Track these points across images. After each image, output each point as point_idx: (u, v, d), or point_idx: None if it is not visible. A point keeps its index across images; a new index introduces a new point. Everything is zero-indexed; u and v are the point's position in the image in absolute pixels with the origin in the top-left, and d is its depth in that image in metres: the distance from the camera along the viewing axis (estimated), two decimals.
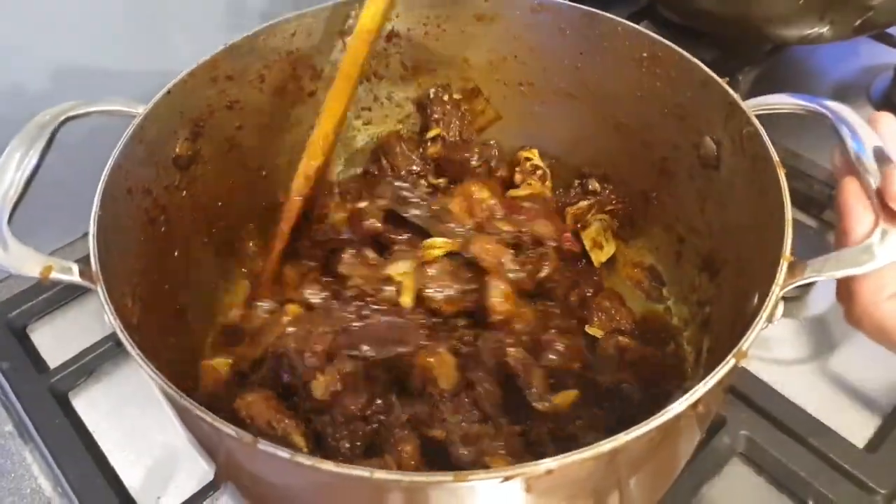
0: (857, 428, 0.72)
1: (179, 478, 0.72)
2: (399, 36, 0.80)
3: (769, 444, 0.70)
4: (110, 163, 0.60)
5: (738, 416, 0.71)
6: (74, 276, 0.53)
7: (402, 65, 0.82)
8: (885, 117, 0.57)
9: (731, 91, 0.64)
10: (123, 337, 0.49)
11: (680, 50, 0.69)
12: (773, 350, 0.80)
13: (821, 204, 0.88)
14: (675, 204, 0.77)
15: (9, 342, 0.82)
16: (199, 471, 0.72)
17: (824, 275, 0.52)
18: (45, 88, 0.79)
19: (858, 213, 0.54)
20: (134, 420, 0.76)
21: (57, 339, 0.84)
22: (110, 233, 0.57)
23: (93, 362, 0.80)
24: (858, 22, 0.89)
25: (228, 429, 0.44)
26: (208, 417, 0.45)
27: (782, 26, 0.92)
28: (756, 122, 0.61)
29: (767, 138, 0.60)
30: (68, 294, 0.86)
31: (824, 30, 0.90)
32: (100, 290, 0.51)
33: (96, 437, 0.75)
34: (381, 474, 0.41)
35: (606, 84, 0.77)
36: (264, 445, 0.43)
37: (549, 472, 0.41)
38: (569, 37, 0.76)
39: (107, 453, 0.74)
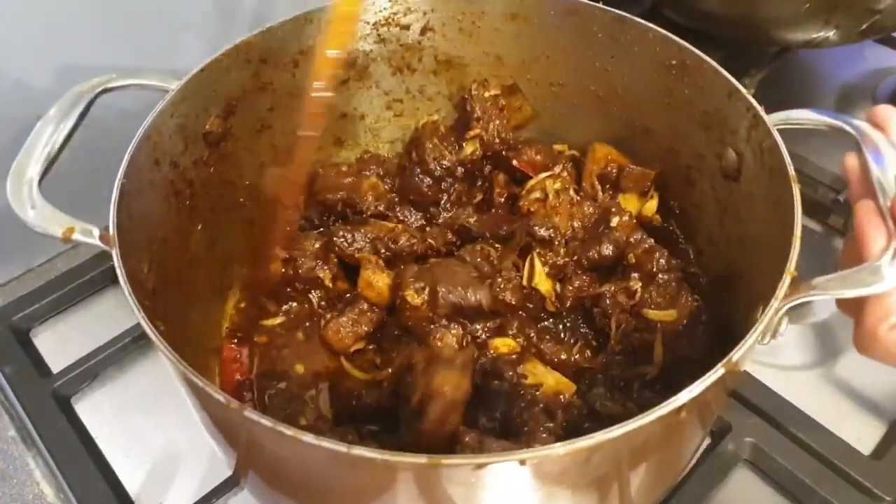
0: (863, 435, 0.72)
1: (181, 483, 0.72)
2: (433, 30, 0.81)
3: (775, 450, 0.69)
4: (139, 133, 0.62)
5: (744, 422, 0.71)
6: (94, 239, 0.55)
7: (434, 59, 0.83)
8: (887, 110, 0.57)
9: (755, 103, 0.64)
10: (131, 300, 0.51)
11: (708, 59, 0.68)
12: (778, 356, 0.79)
13: (826, 209, 0.87)
14: (697, 214, 0.76)
15: (12, 346, 0.81)
16: (200, 476, 0.72)
17: (830, 293, 0.51)
18: (49, 88, 0.78)
19: (872, 236, 0.53)
20: (136, 425, 0.76)
21: (60, 344, 0.83)
22: (134, 200, 0.60)
23: (96, 367, 0.79)
24: (864, 26, 0.87)
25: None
26: (222, 398, 0.46)
27: (788, 30, 0.91)
28: (777, 135, 0.60)
29: (786, 152, 0.59)
30: (71, 298, 0.86)
31: (830, 33, 0.89)
32: (114, 253, 0.53)
33: (99, 441, 0.75)
34: (358, 451, 0.42)
35: (635, 88, 0.77)
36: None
37: (522, 462, 0.42)
38: (600, 40, 0.76)
39: (109, 458, 0.74)
